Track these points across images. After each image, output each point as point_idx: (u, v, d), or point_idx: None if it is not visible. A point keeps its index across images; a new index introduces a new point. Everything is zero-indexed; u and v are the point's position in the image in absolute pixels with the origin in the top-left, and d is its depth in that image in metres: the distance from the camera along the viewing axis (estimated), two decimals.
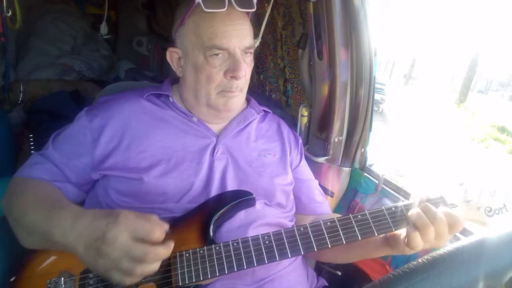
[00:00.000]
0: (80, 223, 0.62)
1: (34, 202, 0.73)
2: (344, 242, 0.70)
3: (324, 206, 1.00)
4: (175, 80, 0.98)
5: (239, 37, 0.81)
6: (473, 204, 0.69)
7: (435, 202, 0.72)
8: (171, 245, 0.62)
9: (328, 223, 0.71)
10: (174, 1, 2.47)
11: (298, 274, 0.87)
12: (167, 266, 0.70)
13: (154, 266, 0.61)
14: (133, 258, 0.59)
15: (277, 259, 0.69)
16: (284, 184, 0.92)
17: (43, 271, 0.72)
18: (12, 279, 0.74)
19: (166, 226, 0.63)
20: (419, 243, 0.67)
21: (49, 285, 0.69)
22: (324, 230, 0.71)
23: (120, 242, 0.58)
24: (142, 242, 0.59)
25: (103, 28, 2.15)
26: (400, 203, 0.73)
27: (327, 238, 0.70)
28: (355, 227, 0.70)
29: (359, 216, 0.71)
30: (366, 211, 0.72)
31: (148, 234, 0.60)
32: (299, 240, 0.70)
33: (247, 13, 0.85)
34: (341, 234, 0.70)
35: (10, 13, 1.49)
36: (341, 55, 1.12)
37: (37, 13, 2.59)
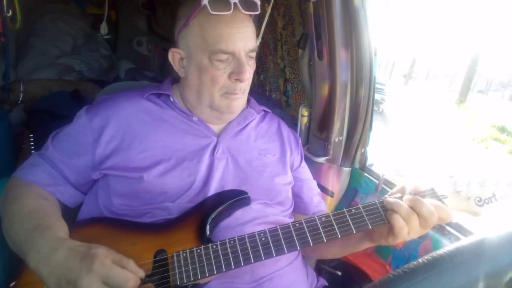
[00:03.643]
0: (55, 258, 0.62)
1: (20, 218, 0.73)
2: (340, 236, 0.71)
3: (322, 206, 1.01)
4: (176, 80, 0.98)
5: (244, 40, 0.81)
6: (463, 194, 0.72)
7: (426, 194, 0.74)
8: None
9: (323, 218, 0.72)
10: (174, 1, 2.47)
11: (297, 273, 0.87)
12: (165, 266, 0.70)
13: None
14: None
15: (274, 255, 0.69)
16: (283, 183, 0.93)
17: (39, 277, 0.72)
18: (12, 284, 0.73)
19: (141, 274, 0.64)
20: (403, 226, 0.68)
21: None
22: (319, 225, 0.71)
23: None
24: None
25: (103, 28, 2.15)
26: (393, 196, 0.74)
27: (322, 233, 0.71)
28: (350, 221, 0.71)
29: (353, 210, 0.73)
30: (359, 205, 0.73)
31: (121, 284, 0.59)
32: (295, 236, 0.71)
33: (250, 15, 0.85)
34: (336, 228, 0.71)
35: (10, 13, 1.49)
36: (341, 55, 1.12)
37: (37, 13, 2.59)
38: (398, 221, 0.68)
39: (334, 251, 0.92)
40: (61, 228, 0.71)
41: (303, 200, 0.98)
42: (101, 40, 2.89)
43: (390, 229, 0.70)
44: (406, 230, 0.68)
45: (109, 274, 0.59)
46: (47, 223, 0.71)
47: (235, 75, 0.83)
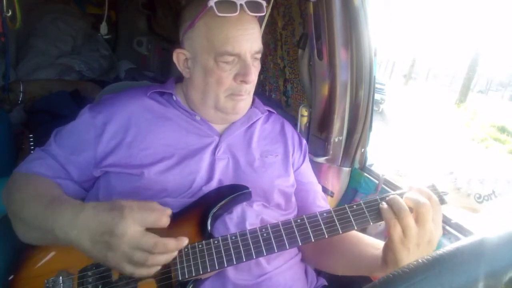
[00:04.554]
0: (82, 218, 0.62)
1: (33, 196, 0.73)
2: (341, 232, 0.70)
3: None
4: (179, 79, 0.98)
5: (249, 41, 0.81)
6: (463, 191, 0.72)
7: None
8: (182, 240, 0.64)
9: (325, 214, 0.72)
10: (174, 1, 2.47)
11: (294, 272, 0.87)
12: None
13: (165, 257, 0.63)
14: (144, 250, 0.60)
15: (275, 250, 0.70)
16: (285, 185, 0.92)
17: (40, 271, 0.72)
18: (10, 277, 0.73)
19: (169, 211, 0.65)
20: (391, 218, 0.66)
21: (47, 285, 0.69)
22: (321, 221, 0.72)
23: (130, 235, 0.59)
24: (151, 232, 0.61)
25: (103, 28, 2.16)
26: (394, 192, 0.73)
27: (324, 228, 0.71)
28: (351, 216, 0.71)
29: (354, 206, 0.72)
30: (361, 201, 0.73)
31: (155, 223, 0.62)
32: (296, 232, 0.71)
33: (256, 16, 0.85)
34: (337, 224, 0.71)
35: (10, 13, 1.49)
36: (341, 55, 1.12)
37: (37, 13, 2.59)
38: (387, 212, 0.67)
39: (351, 268, 0.87)
40: (78, 201, 0.71)
41: (301, 204, 0.98)
42: (101, 40, 2.89)
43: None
44: (399, 227, 0.65)
45: (141, 216, 0.61)
46: (63, 198, 0.72)
47: (241, 76, 0.83)
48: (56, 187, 0.80)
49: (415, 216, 0.66)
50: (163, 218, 0.63)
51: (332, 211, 0.73)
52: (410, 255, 0.66)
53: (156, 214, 0.63)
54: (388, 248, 0.68)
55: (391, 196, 0.70)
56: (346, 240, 0.85)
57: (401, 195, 0.70)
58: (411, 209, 0.67)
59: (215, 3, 0.77)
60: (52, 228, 0.65)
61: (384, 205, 0.69)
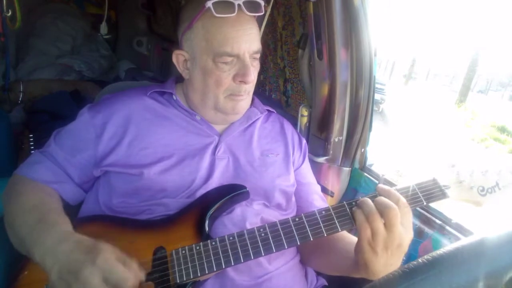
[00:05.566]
0: (61, 249, 0.61)
1: (24, 212, 0.73)
2: (340, 230, 0.70)
3: None
4: (179, 79, 0.98)
5: (248, 42, 0.81)
6: (466, 184, 0.70)
7: (428, 185, 0.73)
8: None
9: (323, 212, 0.71)
10: (174, 1, 2.47)
11: (294, 272, 0.87)
12: (164, 264, 0.70)
13: None
14: None
15: (274, 250, 0.69)
16: (286, 185, 0.92)
17: (40, 276, 0.71)
18: (14, 284, 0.73)
19: (142, 277, 0.63)
20: (362, 220, 0.66)
21: None
22: (319, 219, 0.71)
23: (92, 284, 0.57)
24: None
25: (103, 28, 2.16)
26: (367, 195, 0.72)
27: (322, 227, 0.70)
28: (350, 214, 0.71)
29: (353, 203, 0.71)
30: (360, 197, 0.72)
31: (120, 283, 0.58)
32: (294, 231, 0.70)
33: (254, 16, 0.85)
34: (337, 222, 0.70)
35: (10, 13, 1.50)
36: (341, 55, 1.12)
37: (37, 13, 2.59)
38: (359, 215, 0.67)
39: (328, 268, 0.89)
40: (66, 223, 0.71)
41: (299, 204, 0.97)
42: (101, 40, 2.89)
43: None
44: (369, 230, 0.65)
45: (111, 270, 0.59)
46: (52, 218, 0.71)
47: (240, 77, 0.82)
48: (52, 197, 0.80)
49: (384, 220, 0.66)
50: (130, 281, 0.59)
51: (331, 209, 0.72)
52: (379, 258, 0.66)
53: (126, 274, 0.59)
54: (358, 250, 0.68)
55: (362, 199, 0.70)
56: (329, 239, 0.85)
57: (372, 198, 0.70)
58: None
59: (213, 3, 0.77)
60: (33, 253, 0.64)
61: (356, 207, 0.69)
